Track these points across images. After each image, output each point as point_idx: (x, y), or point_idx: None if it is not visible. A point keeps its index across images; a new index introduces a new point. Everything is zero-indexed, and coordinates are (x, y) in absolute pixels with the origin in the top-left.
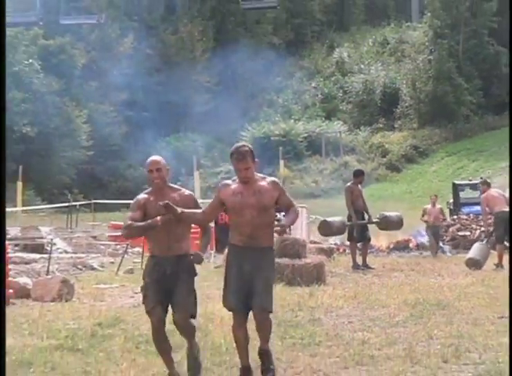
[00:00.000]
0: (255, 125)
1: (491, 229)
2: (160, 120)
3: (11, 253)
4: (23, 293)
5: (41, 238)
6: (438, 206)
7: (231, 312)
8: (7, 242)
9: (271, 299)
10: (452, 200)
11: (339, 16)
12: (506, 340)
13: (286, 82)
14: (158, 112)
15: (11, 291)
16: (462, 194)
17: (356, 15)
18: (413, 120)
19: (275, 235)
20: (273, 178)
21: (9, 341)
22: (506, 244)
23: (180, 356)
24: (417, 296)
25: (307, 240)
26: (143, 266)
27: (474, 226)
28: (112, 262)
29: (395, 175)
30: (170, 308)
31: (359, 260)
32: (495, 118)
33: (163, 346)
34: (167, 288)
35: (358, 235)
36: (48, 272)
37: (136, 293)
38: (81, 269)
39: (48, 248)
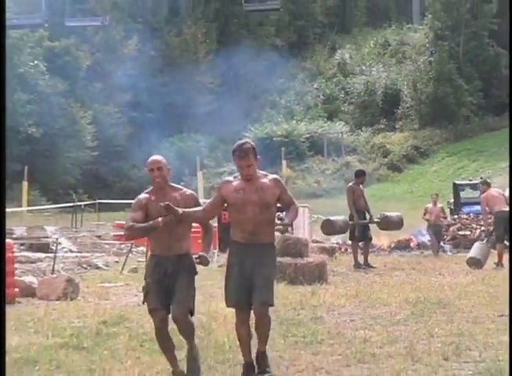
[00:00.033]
0: (258, 126)
1: (491, 228)
2: (163, 121)
3: (17, 252)
4: (29, 292)
5: (47, 237)
6: (439, 205)
7: (233, 310)
8: (13, 241)
9: (272, 293)
10: (452, 200)
11: (341, 18)
12: (506, 338)
13: (288, 83)
14: (162, 113)
15: (17, 289)
16: (462, 194)
17: (358, 17)
18: (414, 121)
19: (278, 233)
20: (275, 176)
21: (15, 339)
22: (506, 243)
23: (184, 355)
24: (418, 295)
25: (309, 239)
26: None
27: (474, 226)
28: (116, 261)
29: (396, 175)
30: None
31: (361, 259)
32: (495, 119)
33: (166, 345)
34: (169, 288)
35: (360, 234)
36: (53, 271)
37: (140, 292)
38: (85, 268)
39: (54, 248)
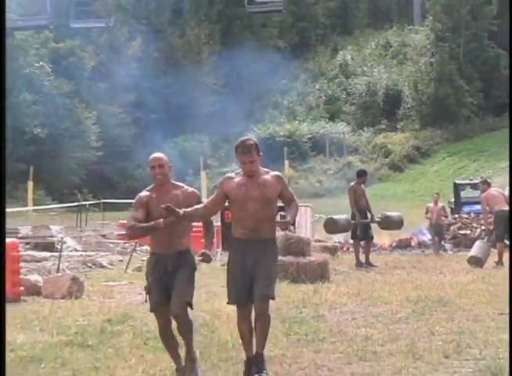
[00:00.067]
0: (261, 126)
1: (491, 227)
2: (167, 121)
3: (22, 251)
4: (34, 290)
5: (52, 237)
6: (440, 204)
7: (235, 307)
8: (18, 240)
9: (273, 288)
10: (453, 200)
11: (343, 19)
12: (506, 336)
13: (290, 84)
14: (166, 113)
15: (22, 288)
16: (463, 194)
17: (359, 18)
18: (415, 121)
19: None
20: (277, 173)
21: (20, 337)
22: (506, 242)
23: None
24: (419, 293)
25: (311, 238)
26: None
27: (474, 225)
28: (121, 260)
29: (398, 174)
30: None
31: (362, 258)
32: (495, 119)
33: (170, 343)
34: (170, 285)
35: (362, 233)
36: (58, 270)
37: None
38: (90, 267)
39: (59, 247)
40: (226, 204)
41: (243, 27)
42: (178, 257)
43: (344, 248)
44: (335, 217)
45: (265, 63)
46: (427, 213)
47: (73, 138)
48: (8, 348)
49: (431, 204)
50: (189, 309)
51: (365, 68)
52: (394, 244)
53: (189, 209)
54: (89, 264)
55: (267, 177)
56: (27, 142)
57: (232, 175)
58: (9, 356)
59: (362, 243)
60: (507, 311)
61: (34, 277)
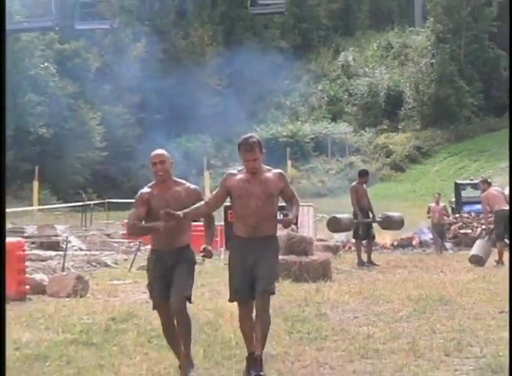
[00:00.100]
0: (263, 127)
1: (491, 226)
2: (171, 121)
3: (27, 250)
4: (40, 289)
5: (57, 236)
6: (441, 204)
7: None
8: (24, 240)
9: (273, 284)
10: (454, 199)
11: (344, 21)
12: (507, 334)
13: (293, 85)
14: (169, 114)
15: (27, 287)
16: (463, 193)
17: (361, 20)
18: (416, 121)
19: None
20: (279, 170)
21: (26, 335)
22: (507, 241)
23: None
24: (420, 292)
25: (313, 237)
26: None
27: (475, 224)
28: (125, 259)
29: (399, 174)
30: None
31: (364, 257)
32: (495, 120)
33: (173, 340)
34: (170, 280)
35: (363, 233)
36: (63, 269)
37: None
38: (95, 266)
39: (64, 246)
40: (229, 203)
41: (245, 29)
42: (178, 253)
43: (346, 247)
44: (338, 216)
45: (267, 64)
46: (428, 213)
47: (78, 138)
48: (13, 346)
49: (433, 204)
50: (189, 307)
51: (366, 69)
52: (395, 243)
53: (190, 209)
54: (94, 263)
55: (269, 174)
56: (33, 143)
57: (235, 172)
58: (15, 355)
59: (363, 242)
60: (507, 309)
61: (40, 276)
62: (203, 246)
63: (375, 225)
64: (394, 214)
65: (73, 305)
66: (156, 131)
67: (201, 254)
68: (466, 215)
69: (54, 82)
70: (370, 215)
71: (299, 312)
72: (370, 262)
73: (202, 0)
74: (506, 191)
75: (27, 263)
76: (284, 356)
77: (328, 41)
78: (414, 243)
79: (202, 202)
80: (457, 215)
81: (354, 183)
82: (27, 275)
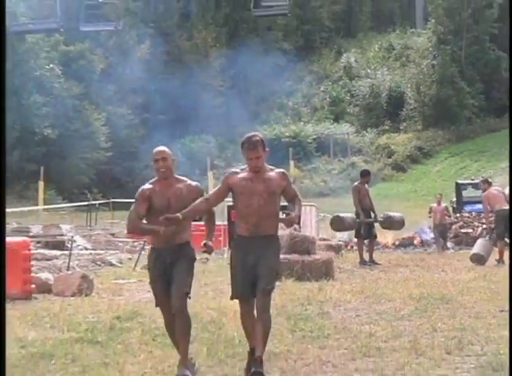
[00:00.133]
0: (266, 127)
1: (492, 226)
2: (175, 122)
3: (33, 250)
4: (45, 288)
5: (62, 235)
6: (443, 204)
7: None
8: (30, 239)
9: (274, 282)
10: (455, 199)
11: (346, 23)
12: (507, 333)
13: (296, 86)
14: (173, 115)
15: (33, 286)
16: (464, 193)
17: (363, 22)
18: (418, 122)
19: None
20: (282, 170)
21: (32, 334)
22: (507, 240)
23: (194, 349)
24: (422, 290)
25: (316, 237)
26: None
27: (476, 224)
28: (130, 259)
29: (401, 174)
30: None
31: (366, 256)
32: (496, 121)
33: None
34: (170, 277)
35: (365, 232)
36: (68, 268)
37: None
38: (100, 265)
39: (69, 245)
40: (232, 203)
41: (249, 30)
42: (178, 249)
43: (348, 247)
44: (342, 215)
45: (270, 66)
46: (430, 213)
47: (82, 139)
48: (19, 344)
49: (435, 205)
50: (191, 306)
51: (368, 70)
52: (397, 243)
53: (189, 207)
54: (99, 262)
55: (272, 173)
56: (38, 143)
57: (237, 170)
58: (20, 353)
59: (365, 241)
60: (508, 308)
61: (45, 275)
62: (204, 241)
63: (376, 224)
64: (395, 214)
65: (78, 303)
66: (160, 132)
67: (202, 251)
68: (467, 215)
69: (59, 83)
70: (372, 215)
71: (302, 311)
72: (372, 261)
73: (206, 2)
74: (507, 191)
75: (33, 262)
76: (287, 354)
77: (330, 42)
78: (415, 242)
79: (201, 199)
80: (458, 215)
81: (356, 183)
82: (32, 274)
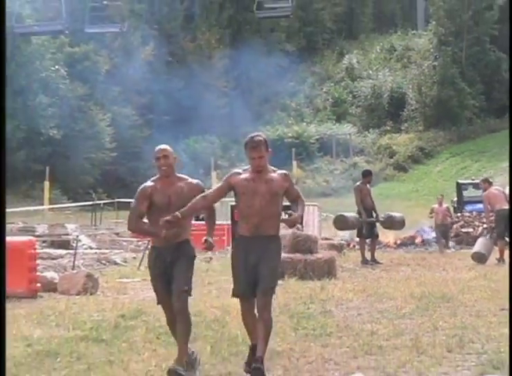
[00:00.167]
0: (269, 128)
1: (493, 225)
2: (178, 123)
3: (39, 249)
4: (50, 287)
5: (67, 235)
6: (444, 205)
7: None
8: (35, 238)
9: (275, 283)
10: (456, 199)
11: (348, 24)
12: (507, 331)
13: (298, 87)
14: (177, 115)
15: (39, 284)
16: (465, 193)
17: (365, 23)
18: (419, 123)
19: (287, 227)
20: (284, 171)
21: (37, 332)
22: (507, 239)
23: (198, 347)
24: (423, 289)
25: (318, 236)
26: None
27: (476, 223)
28: (134, 258)
29: (402, 174)
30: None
31: (368, 255)
32: (496, 121)
33: None
34: (171, 278)
35: (367, 232)
36: (73, 267)
37: None
38: (104, 264)
39: (74, 244)
40: (234, 203)
41: (252, 32)
42: (178, 248)
43: (351, 246)
44: (345, 214)
45: (273, 67)
46: (431, 213)
47: (87, 139)
48: (25, 342)
49: (436, 206)
50: (192, 305)
51: (370, 71)
52: (398, 242)
53: (187, 206)
54: (103, 261)
55: (274, 174)
56: (43, 144)
57: (240, 170)
58: (26, 351)
59: (367, 241)
60: (508, 307)
61: (51, 274)
62: (204, 237)
63: (378, 224)
64: (396, 214)
65: (83, 302)
66: (164, 133)
67: (202, 247)
68: (467, 214)
69: (64, 84)
70: (374, 215)
71: (304, 310)
72: (374, 261)
73: (210, 4)
74: (507, 190)
75: (38, 261)
76: (290, 353)
77: (332, 44)
78: (417, 241)
79: (200, 196)
80: (459, 214)
81: (358, 183)
82: (38, 273)
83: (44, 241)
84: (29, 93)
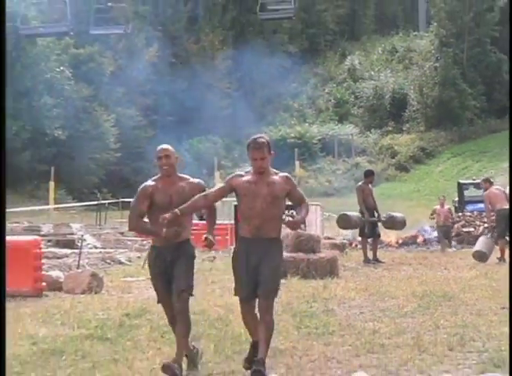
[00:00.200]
0: (272, 128)
1: (493, 224)
2: (182, 123)
3: (44, 248)
4: (56, 286)
5: (72, 234)
6: (446, 206)
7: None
8: (40, 238)
9: (276, 287)
10: (457, 199)
11: (350, 26)
12: (508, 329)
13: (301, 88)
14: (181, 116)
15: (44, 283)
16: (466, 193)
17: (367, 25)
18: (420, 123)
19: (289, 230)
20: (286, 174)
21: (43, 330)
22: (507, 238)
23: (202, 345)
24: (424, 288)
25: (321, 235)
26: None
27: (477, 223)
28: (138, 257)
29: (404, 174)
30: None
31: (370, 255)
32: (497, 122)
33: None
34: (171, 278)
35: (369, 231)
36: (78, 267)
37: None
38: (109, 264)
39: (79, 244)
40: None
41: (255, 33)
42: (178, 247)
43: (353, 245)
44: (349, 213)
45: (276, 68)
46: (432, 215)
47: (92, 140)
48: (30, 341)
49: (438, 207)
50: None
51: (372, 72)
52: (400, 242)
53: (187, 203)
54: (108, 260)
55: (276, 177)
56: (49, 144)
57: (242, 173)
58: (32, 349)
59: (369, 240)
60: (508, 305)
61: (56, 273)
62: (205, 235)
63: (379, 224)
64: (398, 214)
65: (88, 301)
66: (167, 133)
67: (203, 245)
68: (468, 214)
69: (69, 85)
70: (375, 214)
71: (307, 308)
72: (376, 260)
73: (213, 6)
74: (508, 190)
75: (44, 261)
76: (292, 351)
77: (335, 45)
78: (418, 241)
79: (201, 194)
80: (460, 214)
81: (360, 183)
82: (43, 272)
83: (49, 241)
84: (34, 94)
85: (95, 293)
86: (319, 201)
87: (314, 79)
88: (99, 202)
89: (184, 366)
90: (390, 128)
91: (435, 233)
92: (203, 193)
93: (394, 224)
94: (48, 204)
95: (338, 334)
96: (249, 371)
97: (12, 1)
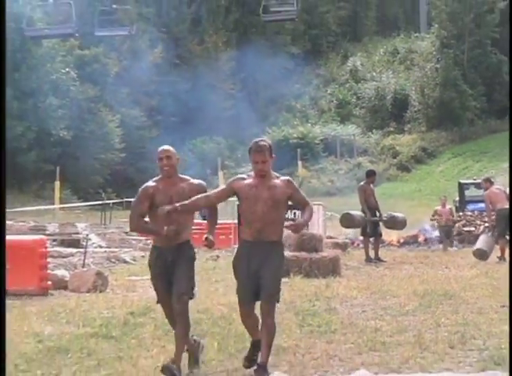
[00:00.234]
0: (275, 129)
1: (494, 224)
2: (186, 124)
3: (49, 247)
4: (61, 285)
5: (78, 234)
6: (447, 207)
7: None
8: (46, 237)
9: (278, 290)
10: (457, 198)
11: (352, 27)
12: (508, 327)
13: (303, 89)
14: (185, 117)
15: (50, 282)
16: (467, 192)
17: (368, 26)
18: (422, 123)
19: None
20: (287, 177)
21: (48, 329)
22: (508, 238)
23: (206, 343)
24: (426, 287)
25: (323, 235)
26: None
27: (478, 222)
28: (143, 256)
29: (405, 174)
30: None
31: (372, 254)
32: (497, 122)
33: None
34: (172, 279)
35: (371, 231)
36: (83, 266)
37: None
38: (114, 263)
39: (84, 243)
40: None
41: (258, 35)
42: (178, 248)
43: (355, 244)
44: (352, 212)
45: (278, 69)
46: (434, 215)
47: (97, 140)
48: (36, 339)
49: (439, 207)
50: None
51: (374, 73)
52: (401, 241)
53: (189, 200)
54: (113, 259)
55: (277, 181)
56: (54, 145)
57: (244, 176)
58: (37, 347)
59: (371, 239)
60: (508, 303)
61: (61, 272)
62: (205, 235)
63: (381, 223)
64: (399, 215)
65: (93, 299)
66: (171, 133)
67: (203, 244)
68: (469, 214)
69: (74, 86)
70: (377, 214)
71: (309, 307)
72: (378, 259)
73: (216, 8)
74: (508, 189)
75: (49, 260)
76: (295, 349)
77: (337, 46)
78: (420, 240)
79: (203, 195)
80: (461, 214)
81: (362, 183)
82: (48, 271)
83: (54, 240)
84: (40, 95)
85: (100, 292)
86: (322, 201)
87: (316, 80)
88: (104, 202)
89: (185, 362)
90: (391, 129)
91: (436, 233)
92: (206, 194)
93: (395, 224)
94: (53, 203)
95: (340, 333)
96: (251, 369)
97: (17, 3)
